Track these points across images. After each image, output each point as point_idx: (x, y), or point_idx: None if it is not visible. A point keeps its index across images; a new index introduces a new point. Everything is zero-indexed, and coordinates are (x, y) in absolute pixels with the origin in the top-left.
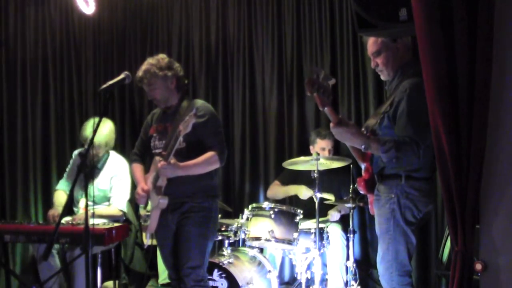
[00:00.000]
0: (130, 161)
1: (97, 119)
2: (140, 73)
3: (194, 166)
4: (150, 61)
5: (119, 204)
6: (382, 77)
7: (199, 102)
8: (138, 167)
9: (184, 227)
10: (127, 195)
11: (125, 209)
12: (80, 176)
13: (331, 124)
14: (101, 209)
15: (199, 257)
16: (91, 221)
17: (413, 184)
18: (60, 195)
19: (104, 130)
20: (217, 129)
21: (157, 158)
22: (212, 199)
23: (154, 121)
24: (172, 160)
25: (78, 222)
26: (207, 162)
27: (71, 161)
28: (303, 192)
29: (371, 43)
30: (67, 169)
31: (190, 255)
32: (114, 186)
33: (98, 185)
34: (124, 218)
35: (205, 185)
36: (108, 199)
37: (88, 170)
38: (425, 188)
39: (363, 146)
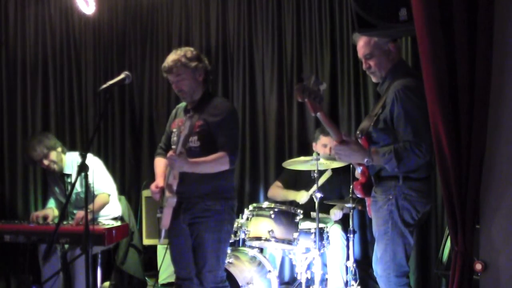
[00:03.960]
0: (155, 155)
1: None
2: (168, 63)
3: (201, 164)
4: (178, 52)
5: (100, 188)
6: (374, 79)
7: (218, 100)
8: (160, 161)
9: (197, 232)
10: (105, 178)
11: (109, 191)
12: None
13: (334, 143)
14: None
15: (216, 261)
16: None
17: (411, 185)
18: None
19: (32, 142)
20: (231, 130)
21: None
22: (225, 201)
23: (177, 116)
24: (181, 154)
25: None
26: (215, 162)
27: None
28: (302, 196)
29: (363, 45)
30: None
31: (206, 260)
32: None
33: (77, 188)
34: (121, 216)
35: (218, 186)
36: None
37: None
38: (423, 188)
39: (366, 160)
